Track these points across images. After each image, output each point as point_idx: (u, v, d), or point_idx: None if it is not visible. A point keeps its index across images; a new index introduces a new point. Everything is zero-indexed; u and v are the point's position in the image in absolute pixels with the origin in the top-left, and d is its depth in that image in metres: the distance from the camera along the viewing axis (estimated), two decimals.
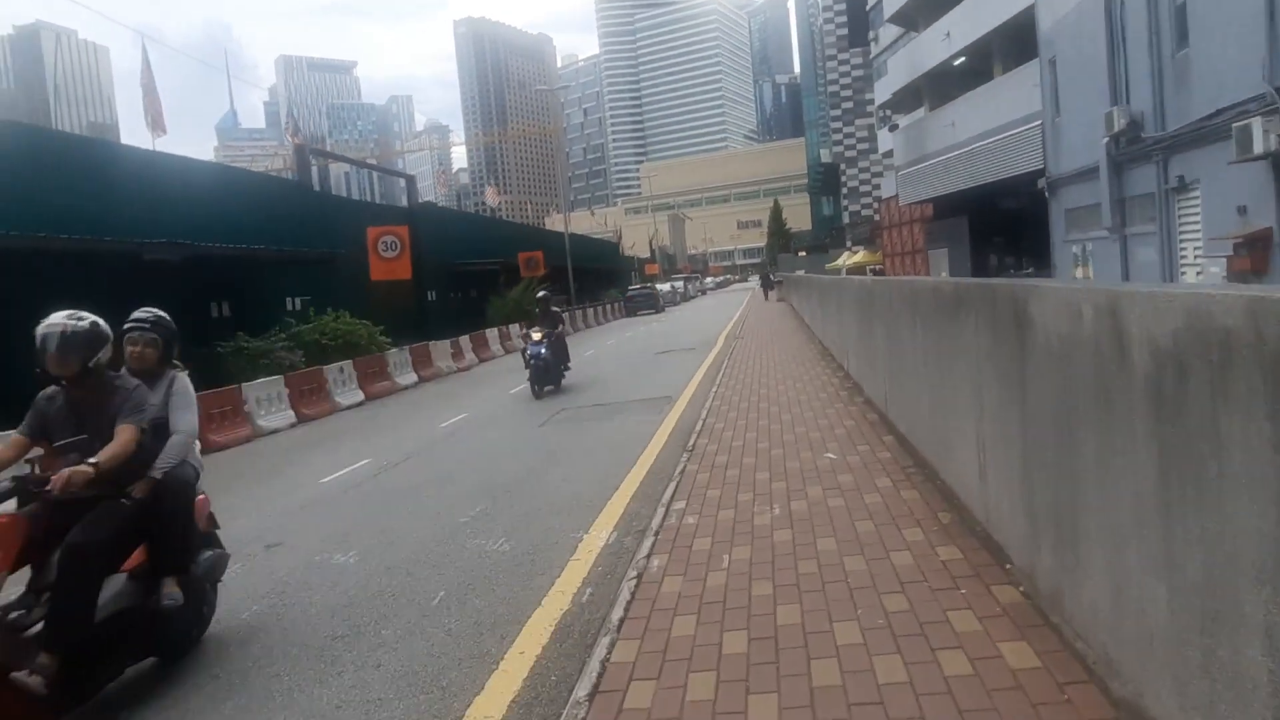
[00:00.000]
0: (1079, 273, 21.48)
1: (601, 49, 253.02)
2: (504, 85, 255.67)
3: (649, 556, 4.66)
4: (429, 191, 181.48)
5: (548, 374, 14.15)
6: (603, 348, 24.47)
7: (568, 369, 15.09)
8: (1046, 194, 22.74)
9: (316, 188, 56.87)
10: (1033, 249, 25.39)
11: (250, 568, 6.02)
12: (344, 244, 22.13)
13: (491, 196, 62.34)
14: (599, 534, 5.71)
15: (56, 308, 3.99)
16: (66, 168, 14.38)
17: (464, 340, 23.38)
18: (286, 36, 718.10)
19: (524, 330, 15.58)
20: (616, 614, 3.89)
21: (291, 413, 14.63)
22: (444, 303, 31.24)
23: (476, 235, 36.55)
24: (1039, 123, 22.78)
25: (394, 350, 19.23)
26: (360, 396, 16.75)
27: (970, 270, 28.16)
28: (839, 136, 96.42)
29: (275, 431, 13.80)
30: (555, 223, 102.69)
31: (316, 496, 8.25)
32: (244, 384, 14.00)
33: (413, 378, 19.31)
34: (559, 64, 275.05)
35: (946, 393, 4.87)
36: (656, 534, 5.07)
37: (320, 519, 7.29)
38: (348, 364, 17.01)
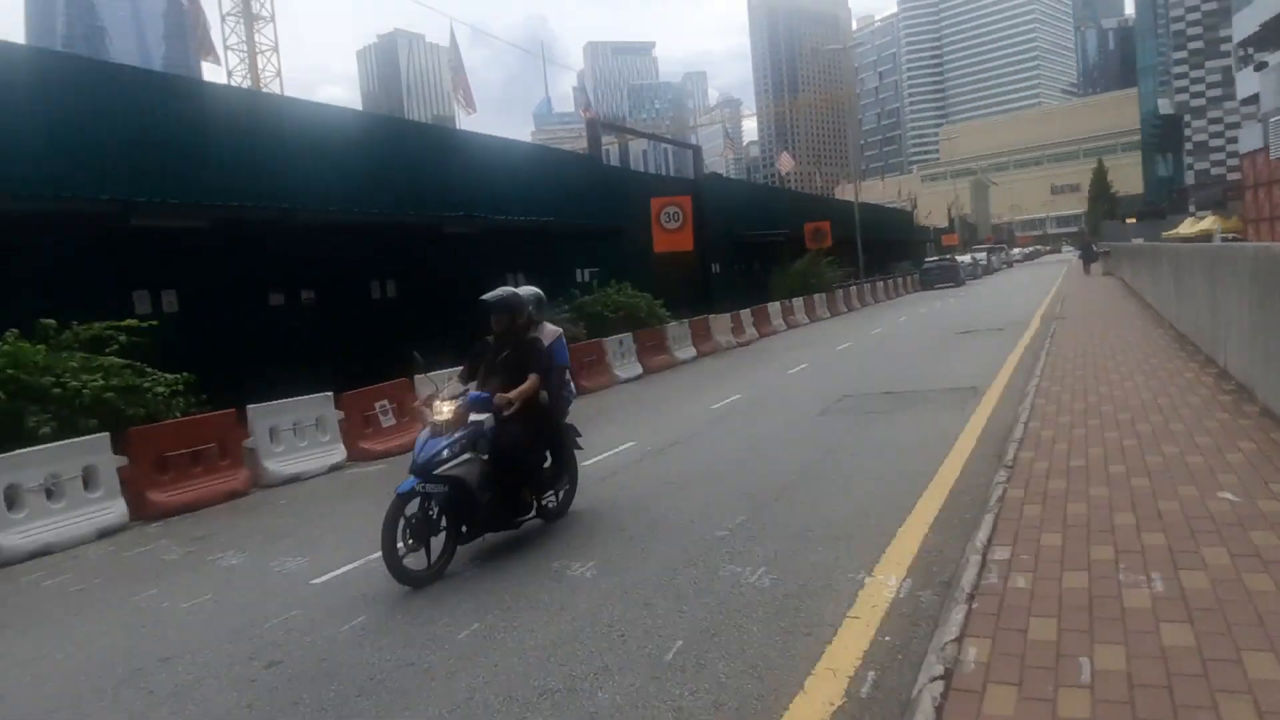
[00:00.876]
0: None
1: (900, 7, 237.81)
2: (796, 54, 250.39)
3: (960, 640, 3.27)
4: (718, 165, 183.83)
5: (466, 514, 5.51)
6: (893, 325, 22.33)
7: (562, 483, 6.54)
8: None
9: (616, 164, 59.31)
10: None
11: (487, 567, 5.48)
12: (630, 217, 22.20)
13: (784, 163, 60.72)
14: (886, 578, 4.38)
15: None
16: (380, 149, 15.52)
17: (745, 314, 22.52)
18: (594, 22, 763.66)
19: (431, 396, 5.85)
20: None
21: (571, 385, 14.61)
22: (728, 275, 30.65)
23: (761, 206, 35.50)
24: None
25: (673, 324, 18.84)
26: (638, 370, 16.49)
27: None
28: (1183, 83, 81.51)
29: None
30: (845, 193, 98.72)
31: (580, 480, 7.69)
32: None
33: (691, 352, 18.78)
34: (854, 27, 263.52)
35: None
36: (970, 599, 3.64)
37: (571, 511, 6.67)
38: (627, 337, 16.82)
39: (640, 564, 5.14)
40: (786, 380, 13.31)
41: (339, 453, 10.34)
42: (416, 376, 6.42)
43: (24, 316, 9.10)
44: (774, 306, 25.11)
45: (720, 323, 20.76)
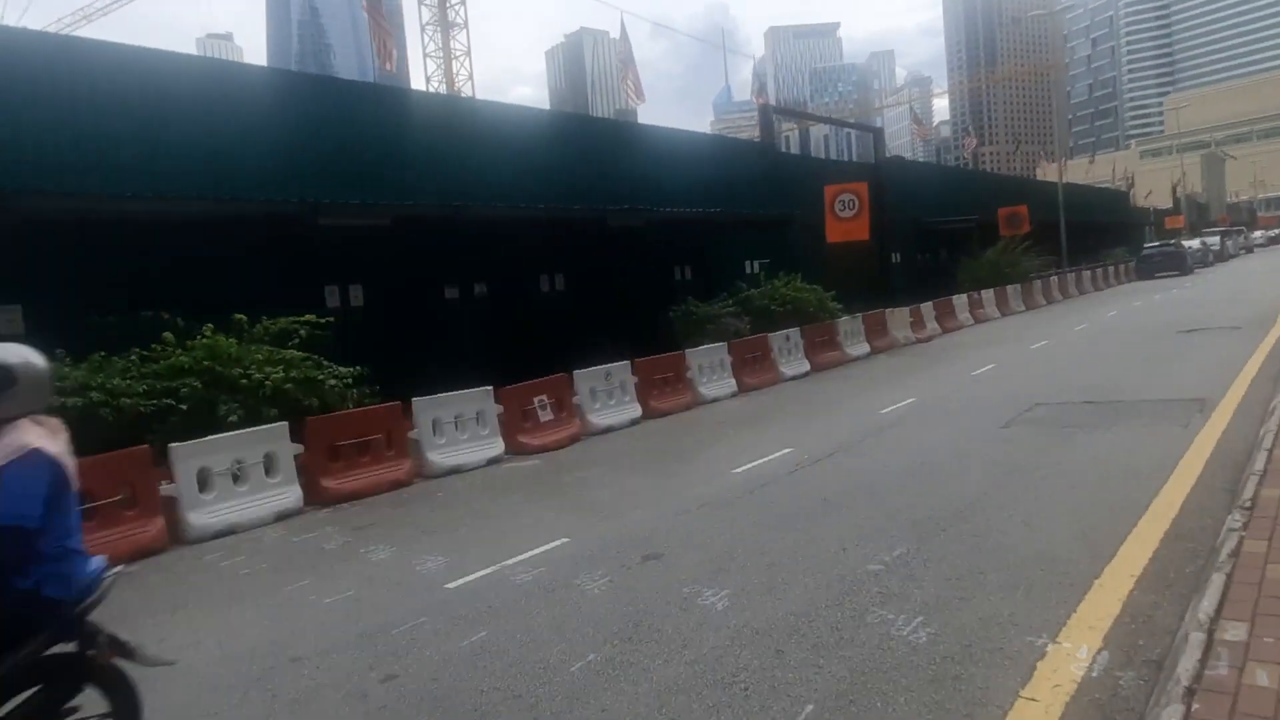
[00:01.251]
0: None
1: None
2: (994, 23, 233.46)
3: None
4: (905, 149, 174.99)
5: None
6: (1100, 320, 20.01)
7: None
8: None
9: (796, 150, 57.62)
10: None
11: (616, 585, 5.14)
12: (805, 205, 21.29)
13: (969, 144, 56.75)
14: (1074, 647, 3.59)
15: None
16: (550, 144, 15.71)
17: (926, 308, 20.96)
18: (777, 7, 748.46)
19: None
20: None
21: (733, 381, 14.13)
22: (910, 265, 28.88)
23: (950, 190, 33.20)
24: None
25: (845, 318, 17.81)
26: (806, 367, 15.70)
27: None
28: None
29: (716, 400, 13.39)
30: (1046, 173, 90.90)
31: (720, 493, 7.23)
32: (688, 350, 13.84)
33: (864, 348, 17.69)
34: None
35: None
36: (1189, 695, 2.84)
37: (713, 526, 6.22)
38: (795, 332, 16.06)
39: (778, 597, 4.60)
40: (969, 383, 12.10)
41: (497, 446, 10.44)
42: None
43: (234, 309, 9.87)
44: (960, 299, 23.23)
45: (898, 317, 19.42)
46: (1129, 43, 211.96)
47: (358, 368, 10.06)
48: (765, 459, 8.32)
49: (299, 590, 5.88)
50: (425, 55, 65.66)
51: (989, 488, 6.32)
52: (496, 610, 4.97)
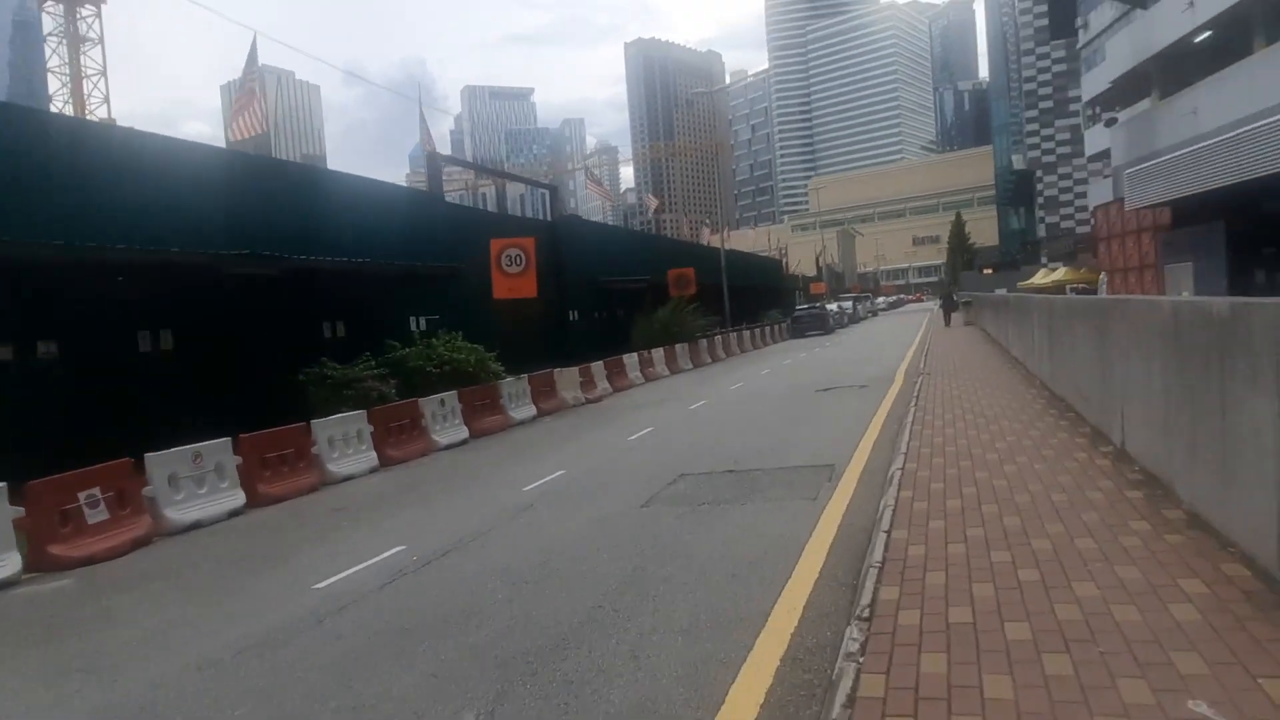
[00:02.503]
0: None
1: (771, 63, 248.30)
2: (672, 104, 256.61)
3: None
4: (597, 211, 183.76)
5: None
6: (754, 379, 20.96)
7: None
8: None
9: (493, 207, 56.50)
10: None
11: None
12: (474, 259, 20.05)
13: (651, 203, 60.24)
14: None
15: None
16: (144, 175, 12.86)
17: (596, 367, 20.56)
18: (474, 67, 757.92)
19: None
20: None
21: (374, 455, 12.26)
22: (589, 323, 28.86)
23: (625, 250, 34.09)
24: None
25: (509, 379, 16.66)
26: (464, 434, 14.23)
27: (1227, 289, 22.25)
28: (1034, 140, 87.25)
29: (350, 479, 11.44)
30: (711, 240, 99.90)
31: (282, 624, 5.42)
32: (315, 421, 11.73)
33: (530, 411, 16.64)
34: (728, 80, 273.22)
35: None
36: None
37: (236, 688, 4.42)
38: (451, 395, 14.55)
39: None
40: (623, 450, 11.38)
41: (11, 564, 7.71)
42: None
43: None
44: (631, 358, 23.31)
45: (567, 377, 18.71)
46: (780, 130, 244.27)
47: None
48: (365, 564, 6.65)
49: None
50: (48, 71, 56.22)
51: (605, 597, 5.21)
52: None
